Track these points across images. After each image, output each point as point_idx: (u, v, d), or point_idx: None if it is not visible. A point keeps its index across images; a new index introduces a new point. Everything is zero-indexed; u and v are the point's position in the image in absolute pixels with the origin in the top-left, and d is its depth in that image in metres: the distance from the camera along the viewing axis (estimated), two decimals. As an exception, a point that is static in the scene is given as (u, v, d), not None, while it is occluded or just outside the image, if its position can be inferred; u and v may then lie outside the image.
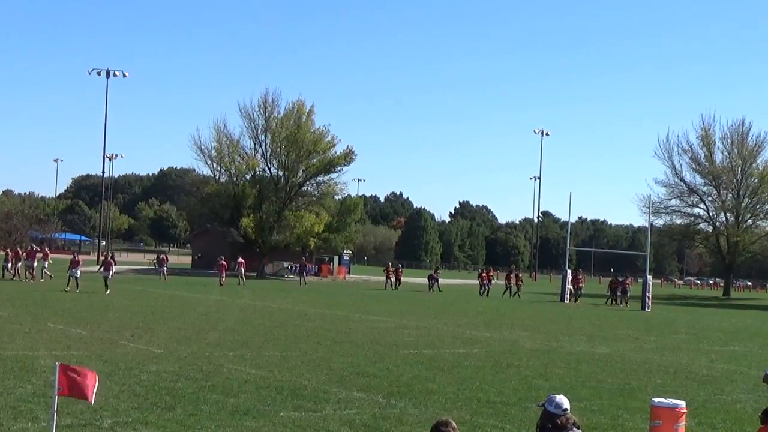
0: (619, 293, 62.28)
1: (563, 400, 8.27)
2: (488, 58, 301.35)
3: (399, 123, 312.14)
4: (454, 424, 7.61)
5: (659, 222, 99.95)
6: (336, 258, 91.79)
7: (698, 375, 23.30)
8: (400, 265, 76.12)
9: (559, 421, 8.13)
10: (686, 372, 23.79)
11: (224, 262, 63.52)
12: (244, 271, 63.79)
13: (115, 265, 65.74)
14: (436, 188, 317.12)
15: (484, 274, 71.15)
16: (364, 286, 66.62)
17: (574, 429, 8.11)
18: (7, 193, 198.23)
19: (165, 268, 65.39)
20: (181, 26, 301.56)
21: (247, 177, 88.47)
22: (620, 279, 65.26)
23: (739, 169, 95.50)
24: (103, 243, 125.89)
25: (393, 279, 69.74)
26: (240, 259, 65.40)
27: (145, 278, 65.68)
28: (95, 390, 9.60)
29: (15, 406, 14.00)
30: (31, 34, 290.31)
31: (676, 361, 26.53)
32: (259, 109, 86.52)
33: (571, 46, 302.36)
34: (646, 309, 57.34)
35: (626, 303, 61.23)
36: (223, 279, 61.36)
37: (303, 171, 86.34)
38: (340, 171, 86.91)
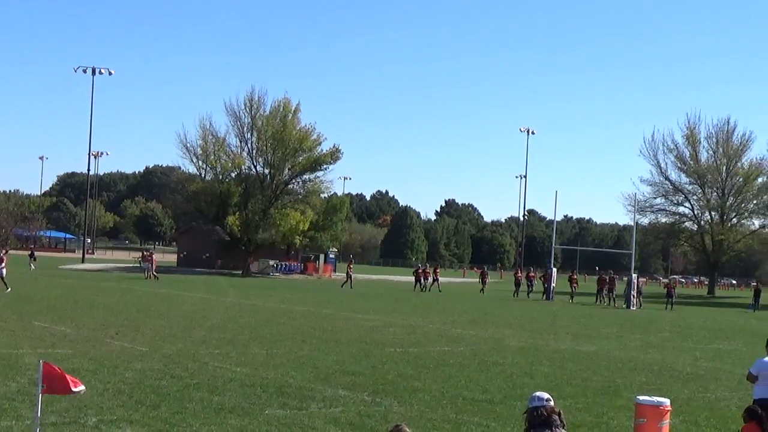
0: (605, 291, 61.96)
1: (543, 393, 8.36)
2: (474, 57, 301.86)
3: (385, 121, 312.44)
4: (407, 430, 7.74)
5: (644, 220, 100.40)
6: (322, 256, 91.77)
7: (682, 373, 23.38)
8: (420, 266, 74.75)
9: (543, 411, 8.19)
10: (671, 370, 23.87)
11: (147, 253, 66.28)
12: (154, 267, 63.52)
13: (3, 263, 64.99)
14: (422, 186, 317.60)
15: (519, 274, 69.72)
16: (355, 284, 66.34)
17: (555, 418, 8.16)
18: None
19: (153, 266, 64.79)
20: (167, 24, 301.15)
21: (233, 175, 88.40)
22: (606, 277, 64.35)
23: (724, 168, 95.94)
24: (89, 241, 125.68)
25: (430, 279, 67.45)
26: (153, 255, 65.68)
27: (130, 276, 65.51)
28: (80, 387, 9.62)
29: (-1, 404, 13.97)
30: (16, 31, 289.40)
31: (660, 359, 26.62)
32: (245, 107, 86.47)
33: (557, 44, 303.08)
34: (631, 307, 57.50)
35: (613, 301, 61.05)
36: (152, 271, 62.27)
37: (289, 169, 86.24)
38: (326, 169, 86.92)
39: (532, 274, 68.57)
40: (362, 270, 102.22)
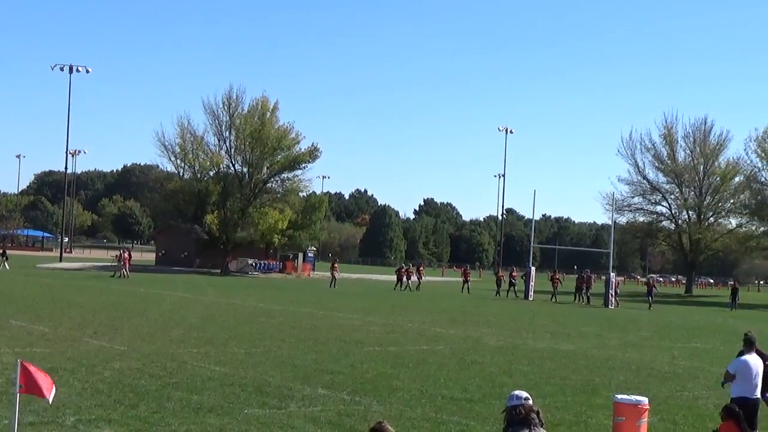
0: (584, 290, 61.73)
1: (522, 392, 8.36)
2: (453, 56, 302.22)
3: (363, 120, 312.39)
4: (388, 427, 7.59)
5: (622, 219, 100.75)
6: (300, 255, 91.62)
7: (661, 372, 23.47)
8: (402, 265, 74.07)
9: (521, 410, 8.19)
10: (649, 369, 23.96)
11: (123, 253, 65.53)
12: (128, 265, 63.80)
13: None
14: (401, 185, 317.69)
15: (501, 274, 69.24)
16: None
17: (534, 417, 8.17)
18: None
19: (125, 264, 64.35)
20: (145, 22, 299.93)
21: (211, 173, 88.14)
22: (585, 276, 64.16)
23: (701, 167, 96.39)
24: (66, 239, 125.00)
25: (414, 278, 67.39)
26: (124, 253, 65.76)
27: (108, 275, 65.18)
28: (53, 391, 9.57)
29: (-24, 403, 13.88)
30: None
31: (638, 357, 26.72)
32: (223, 106, 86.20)
33: (535, 44, 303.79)
34: (610, 306, 57.70)
35: (588, 299, 61.05)
36: (124, 270, 62.29)
37: (267, 168, 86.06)
38: (304, 168, 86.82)
39: (515, 273, 67.97)
40: (341, 269, 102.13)
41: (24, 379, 9.47)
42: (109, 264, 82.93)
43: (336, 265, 69.57)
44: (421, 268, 72.27)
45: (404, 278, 66.31)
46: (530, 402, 8.30)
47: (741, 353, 14.04)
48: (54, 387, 9.65)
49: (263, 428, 13.41)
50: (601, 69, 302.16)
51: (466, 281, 68.72)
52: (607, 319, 44.99)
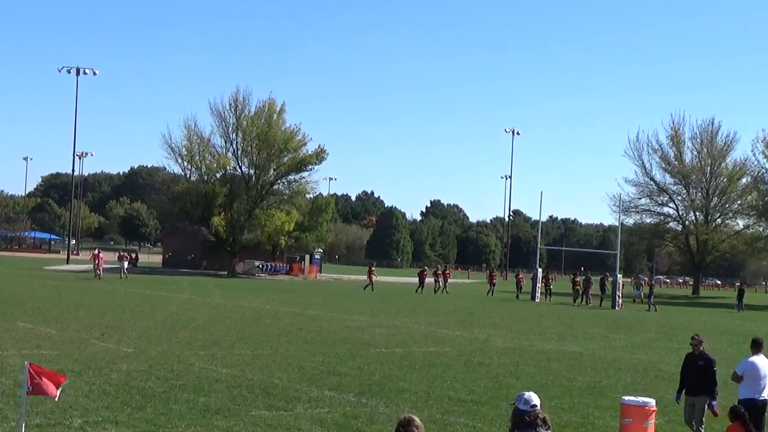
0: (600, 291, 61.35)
1: (531, 397, 8.30)
2: (459, 57, 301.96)
3: (370, 122, 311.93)
4: (418, 422, 7.36)
5: (629, 221, 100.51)
6: (307, 257, 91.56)
7: (668, 373, 23.42)
8: (425, 268, 73.83)
9: (527, 417, 8.17)
10: (656, 370, 23.93)
11: (97, 253, 66.50)
12: (126, 266, 64.04)
13: None
14: (408, 187, 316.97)
15: (520, 276, 68.82)
16: (341, 285, 66.27)
17: (540, 423, 8.15)
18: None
19: (100, 264, 64.55)
20: (152, 24, 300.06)
21: (218, 175, 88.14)
22: (587, 277, 63.96)
23: (708, 168, 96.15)
24: (73, 242, 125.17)
25: (441, 280, 67.34)
26: (100, 252, 66.04)
27: (113, 277, 65.22)
28: (60, 388, 9.59)
29: (-17, 405, 13.90)
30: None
31: (645, 359, 26.69)
32: (230, 108, 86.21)
33: (541, 45, 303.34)
34: (617, 307, 57.60)
35: (586, 299, 60.94)
36: (99, 270, 63.39)
37: (274, 169, 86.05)
38: (311, 170, 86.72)
39: (521, 276, 67.48)
40: (349, 271, 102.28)
41: (31, 381, 9.50)
42: (114, 266, 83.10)
43: (373, 269, 69.47)
44: (447, 272, 72.11)
45: (434, 280, 66.72)
46: (538, 409, 8.27)
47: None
48: (60, 385, 9.66)
49: (270, 430, 13.42)
50: (607, 70, 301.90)
51: (492, 284, 68.49)
52: (614, 321, 44.95)
